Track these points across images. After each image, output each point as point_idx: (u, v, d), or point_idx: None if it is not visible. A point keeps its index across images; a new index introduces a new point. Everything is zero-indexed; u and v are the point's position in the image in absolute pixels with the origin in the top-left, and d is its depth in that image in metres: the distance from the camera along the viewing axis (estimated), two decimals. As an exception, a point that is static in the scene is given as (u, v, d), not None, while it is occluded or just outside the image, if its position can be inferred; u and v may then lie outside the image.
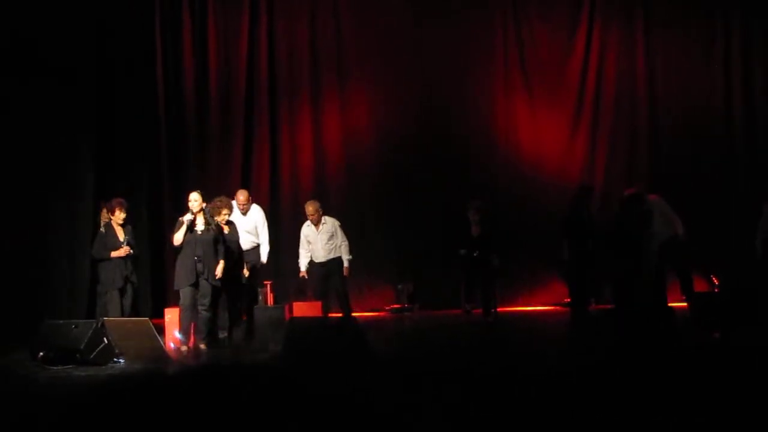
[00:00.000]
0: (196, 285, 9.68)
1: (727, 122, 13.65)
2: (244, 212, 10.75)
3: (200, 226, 9.73)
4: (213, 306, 9.86)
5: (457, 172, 13.06)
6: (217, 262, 9.74)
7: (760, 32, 13.59)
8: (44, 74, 10.88)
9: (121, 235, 10.10)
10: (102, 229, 10.19)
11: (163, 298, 11.01)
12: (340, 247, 10.89)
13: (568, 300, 12.48)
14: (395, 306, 12.85)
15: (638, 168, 13.51)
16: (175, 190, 11.54)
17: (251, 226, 10.79)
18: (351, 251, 11.11)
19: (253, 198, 12.39)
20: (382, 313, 12.80)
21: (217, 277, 9.72)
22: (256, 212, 10.96)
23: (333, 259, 10.92)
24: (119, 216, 10.16)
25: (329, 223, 10.92)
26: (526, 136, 13.53)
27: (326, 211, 11.30)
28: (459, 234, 11.40)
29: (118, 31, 11.92)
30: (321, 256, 10.91)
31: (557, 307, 12.89)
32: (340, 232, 10.94)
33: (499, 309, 11.79)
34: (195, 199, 9.78)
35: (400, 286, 12.88)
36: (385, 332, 10.73)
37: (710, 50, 13.67)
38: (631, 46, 13.68)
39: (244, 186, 12.50)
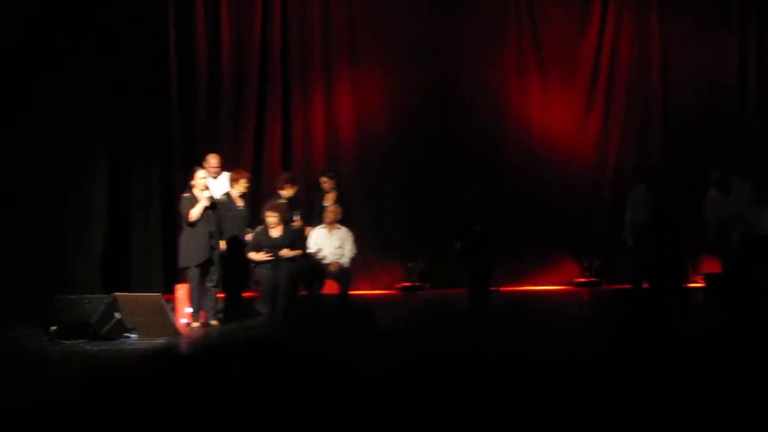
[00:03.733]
0: (206, 262, 9.68)
1: (741, 105, 13.58)
2: (215, 177, 10.44)
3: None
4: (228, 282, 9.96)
5: (469, 151, 12.94)
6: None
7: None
8: (56, 49, 10.88)
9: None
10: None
11: (174, 273, 10.95)
12: (346, 255, 10.43)
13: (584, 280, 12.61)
14: (406, 284, 12.77)
15: (651, 150, 13.41)
16: (186, 166, 11.46)
17: (225, 189, 10.46)
18: (363, 227, 11.01)
19: (266, 175, 12.34)
20: (392, 291, 12.77)
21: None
22: (228, 177, 10.70)
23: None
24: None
25: (343, 230, 10.53)
26: (538, 117, 13.44)
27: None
28: (458, 217, 10.91)
29: (128, 5, 11.85)
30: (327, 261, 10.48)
31: (568, 287, 12.91)
32: (350, 243, 10.48)
33: (508, 288, 11.75)
34: (204, 176, 9.80)
35: (410, 264, 12.80)
36: (394, 310, 10.73)
37: (725, 34, 13.55)
38: (645, 27, 13.56)
39: (257, 164, 12.57)
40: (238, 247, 10.17)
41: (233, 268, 10.26)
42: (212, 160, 10.57)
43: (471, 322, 9.67)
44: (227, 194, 10.27)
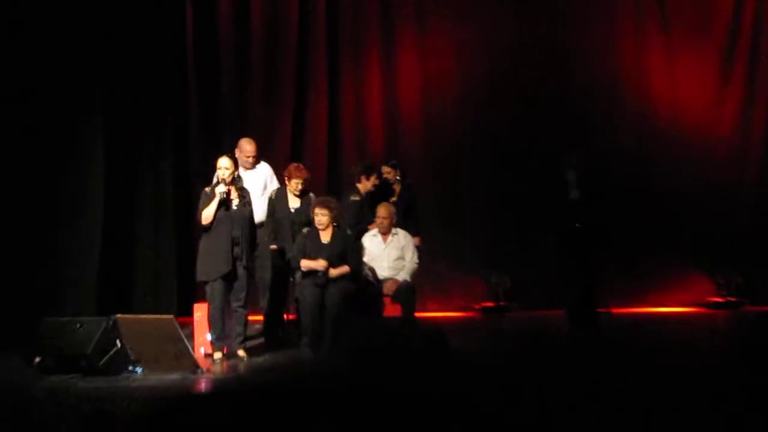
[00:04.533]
0: (229, 276, 9.47)
1: None
2: (252, 166, 10.56)
3: (234, 200, 9.52)
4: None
5: (569, 134, 12.67)
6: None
7: None
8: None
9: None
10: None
11: (191, 290, 11.06)
12: (406, 268, 10.35)
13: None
14: (488, 304, 12.77)
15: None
16: (206, 157, 11.43)
17: (260, 183, 10.56)
18: (432, 232, 11.14)
19: (310, 167, 12.28)
20: (470, 313, 12.74)
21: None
22: (266, 168, 10.79)
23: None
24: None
25: (401, 235, 10.47)
26: (662, 91, 13.40)
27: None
28: (553, 203, 10.72)
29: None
30: (382, 276, 10.42)
31: (699, 309, 12.78)
32: (412, 251, 10.44)
33: (621, 310, 11.66)
34: (226, 167, 9.51)
35: (494, 280, 12.77)
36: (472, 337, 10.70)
37: None
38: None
39: (297, 152, 12.61)
40: (282, 256, 10.18)
41: (275, 283, 10.28)
42: (247, 146, 10.58)
43: (569, 352, 9.46)
44: (281, 190, 10.29)
